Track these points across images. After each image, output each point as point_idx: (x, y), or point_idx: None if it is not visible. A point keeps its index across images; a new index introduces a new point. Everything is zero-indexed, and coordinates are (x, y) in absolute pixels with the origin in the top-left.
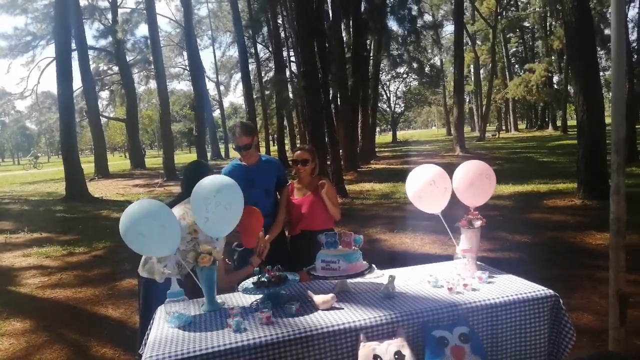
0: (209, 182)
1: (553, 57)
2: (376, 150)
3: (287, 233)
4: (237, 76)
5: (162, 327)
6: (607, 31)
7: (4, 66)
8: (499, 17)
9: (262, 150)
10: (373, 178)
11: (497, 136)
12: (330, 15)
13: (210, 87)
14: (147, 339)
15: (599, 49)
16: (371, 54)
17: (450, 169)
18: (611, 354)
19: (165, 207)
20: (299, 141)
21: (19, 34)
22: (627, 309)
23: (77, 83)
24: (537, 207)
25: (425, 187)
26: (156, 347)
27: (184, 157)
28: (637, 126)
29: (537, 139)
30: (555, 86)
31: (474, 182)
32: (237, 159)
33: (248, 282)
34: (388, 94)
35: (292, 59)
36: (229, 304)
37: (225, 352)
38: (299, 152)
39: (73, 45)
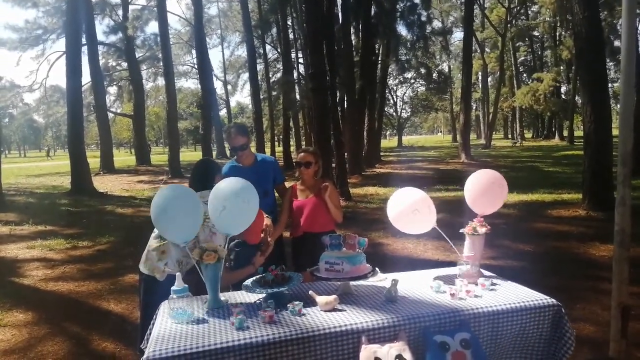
0: (231, 182)
1: (561, 67)
2: (381, 154)
3: (289, 234)
4: (245, 76)
5: (166, 322)
6: (616, 42)
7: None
8: (509, 25)
9: (268, 150)
10: (377, 182)
11: (519, 144)
12: (340, 18)
13: (218, 86)
14: (150, 334)
15: (608, 60)
16: (379, 58)
17: (455, 175)
18: None
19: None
20: (304, 142)
21: (29, 27)
22: (629, 321)
23: (85, 78)
24: (541, 217)
25: (408, 216)
26: (159, 343)
27: (190, 155)
28: None
29: (543, 149)
30: (563, 96)
31: (486, 191)
32: (233, 160)
33: (252, 281)
34: (395, 99)
35: (301, 60)
36: (232, 301)
37: (228, 349)
38: (302, 154)
39: (83, 40)
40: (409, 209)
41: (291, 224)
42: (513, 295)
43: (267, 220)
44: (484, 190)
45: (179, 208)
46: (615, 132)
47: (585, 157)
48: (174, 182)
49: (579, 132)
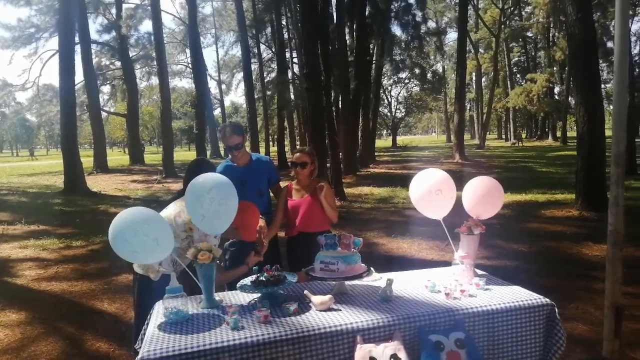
0: (201, 180)
1: (555, 68)
2: (376, 154)
3: (284, 234)
4: (239, 75)
5: (160, 322)
6: (609, 44)
7: (6, 57)
8: (503, 26)
9: (262, 150)
10: (372, 182)
11: (519, 144)
12: (335, 17)
13: (212, 85)
14: (144, 334)
15: (600, 61)
16: (374, 58)
17: (450, 175)
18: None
19: (155, 217)
20: (298, 142)
21: (22, 25)
22: (622, 321)
23: (78, 77)
24: (534, 217)
25: (431, 196)
26: (154, 342)
27: (183, 154)
28: (637, 139)
29: (537, 149)
30: (556, 97)
31: (484, 197)
32: (228, 160)
33: (246, 281)
34: (389, 99)
35: (295, 60)
36: (227, 301)
37: (223, 349)
38: (298, 154)
39: (76, 39)
40: (433, 189)
41: (286, 223)
42: (507, 294)
43: (261, 222)
44: (482, 197)
45: (139, 248)
46: (607, 132)
47: (578, 158)
48: (168, 181)
49: (572, 133)
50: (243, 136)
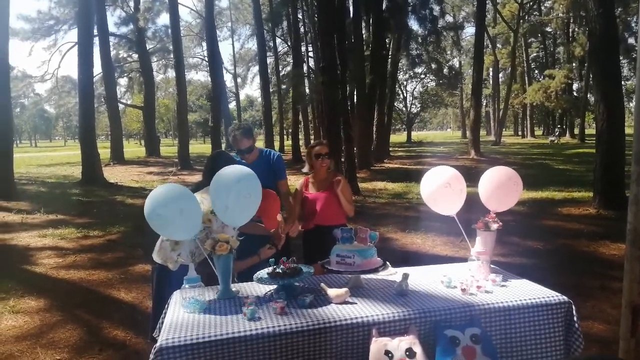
0: (230, 171)
1: (574, 64)
2: (390, 149)
3: (300, 227)
4: (255, 69)
5: (178, 312)
6: (630, 40)
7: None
8: (521, 20)
9: (277, 144)
10: (386, 177)
11: (557, 142)
12: (351, 11)
13: (228, 78)
14: (162, 323)
15: (621, 57)
16: (390, 53)
17: (464, 172)
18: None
19: (188, 192)
20: (313, 137)
21: (42, 17)
22: (639, 320)
23: (97, 69)
24: (551, 215)
25: (440, 190)
26: (172, 331)
27: (199, 147)
28: None
29: (554, 146)
30: (575, 94)
31: (501, 187)
32: (237, 155)
33: (263, 273)
34: (405, 94)
35: (310, 54)
36: (243, 292)
37: (240, 339)
38: (319, 147)
39: (95, 32)
40: (442, 183)
41: (302, 216)
42: (524, 291)
43: (279, 216)
44: (499, 187)
45: (173, 212)
46: (627, 130)
47: (596, 155)
48: (183, 173)
49: (590, 130)
50: (253, 139)
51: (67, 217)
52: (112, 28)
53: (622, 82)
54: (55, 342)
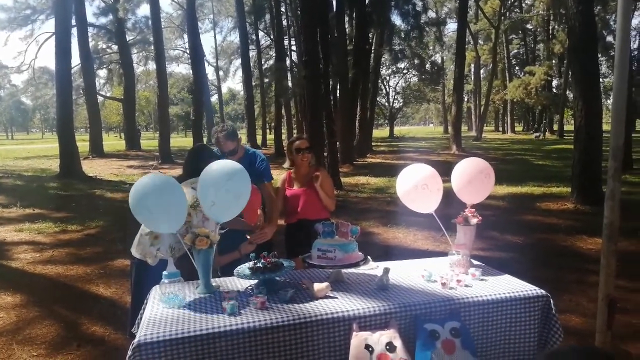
0: (220, 167)
1: (554, 61)
2: (373, 144)
3: (283, 221)
4: (237, 62)
5: (157, 307)
6: (609, 38)
7: (1, 38)
8: (503, 17)
9: (259, 138)
10: (369, 172)
11: (541, 137)
12: (334, 6)
13: (210, 71)
14: (141, 318)
15: (600, 55)
16: (373, 48)
17: (446, 167)
18: (595, 349)
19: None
20: (295, 131)
21: (18, 6)
22: (615, 313)
23: (75, 60)
24: (530, 209)
25: (417, 190)
26: (150, 327)
27: (180, 140)
28: (633, 135)
29: (534, 142)
30: (554, 90)
31: (473, 179)
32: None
33: (244, 267)
34: (387, 89)
35: (293, 47)
36: (224, 287)
37: (220, 335)
38: (299, 141)
39: (73, 22)
40: (419, 184)
41: (284, 211)
42: (503, 285)
43: (259, 211)
44: (470, 178)
45: (159, 202)
46: (604, 127)
47: (575, 151)
48: (164, 167)
49: (569, 127)
50: (237, 140)
51: (44, 211)
52: (90, 18)
53: (601, 80)
54: (32, 338)
